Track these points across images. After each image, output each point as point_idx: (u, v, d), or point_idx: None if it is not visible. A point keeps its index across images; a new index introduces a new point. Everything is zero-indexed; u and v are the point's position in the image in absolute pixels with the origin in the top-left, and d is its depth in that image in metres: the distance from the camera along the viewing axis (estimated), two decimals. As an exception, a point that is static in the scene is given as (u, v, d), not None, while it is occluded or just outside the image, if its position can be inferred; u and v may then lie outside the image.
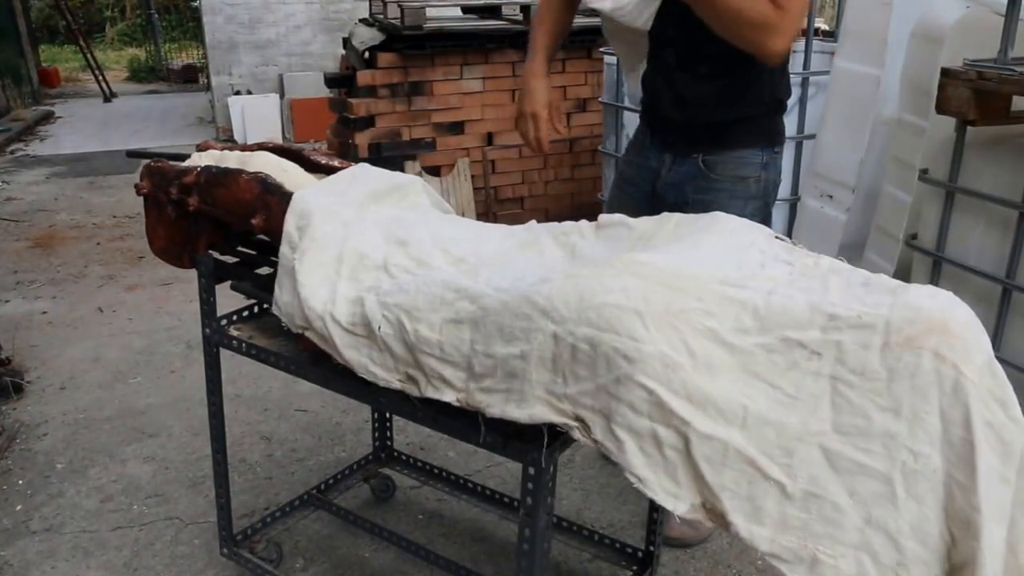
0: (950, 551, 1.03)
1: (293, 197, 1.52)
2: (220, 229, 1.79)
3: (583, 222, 1.54)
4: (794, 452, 1.06)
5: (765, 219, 1.92)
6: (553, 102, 1.93)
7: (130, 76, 13.44)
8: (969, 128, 2.16)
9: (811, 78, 3.05)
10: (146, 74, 13.43)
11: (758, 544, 1.06)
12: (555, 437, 1.24)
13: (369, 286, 1.40)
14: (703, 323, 1.12)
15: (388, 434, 2.35)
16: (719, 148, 1.88)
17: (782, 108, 1.93)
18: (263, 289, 1.66)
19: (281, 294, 1.49)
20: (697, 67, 1.82)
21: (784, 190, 3.19)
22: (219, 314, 1.75)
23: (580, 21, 4.98)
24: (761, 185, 1.91)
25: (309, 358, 1.55)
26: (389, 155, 4.39)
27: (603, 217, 1.54)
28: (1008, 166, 2.12)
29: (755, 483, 1.06)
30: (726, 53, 1.68)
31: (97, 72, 10.97)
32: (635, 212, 1.54)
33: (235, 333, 1.72)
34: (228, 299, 1.76)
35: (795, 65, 3.85)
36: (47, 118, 9.45)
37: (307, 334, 1.44)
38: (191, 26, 14.17)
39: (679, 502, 1.10)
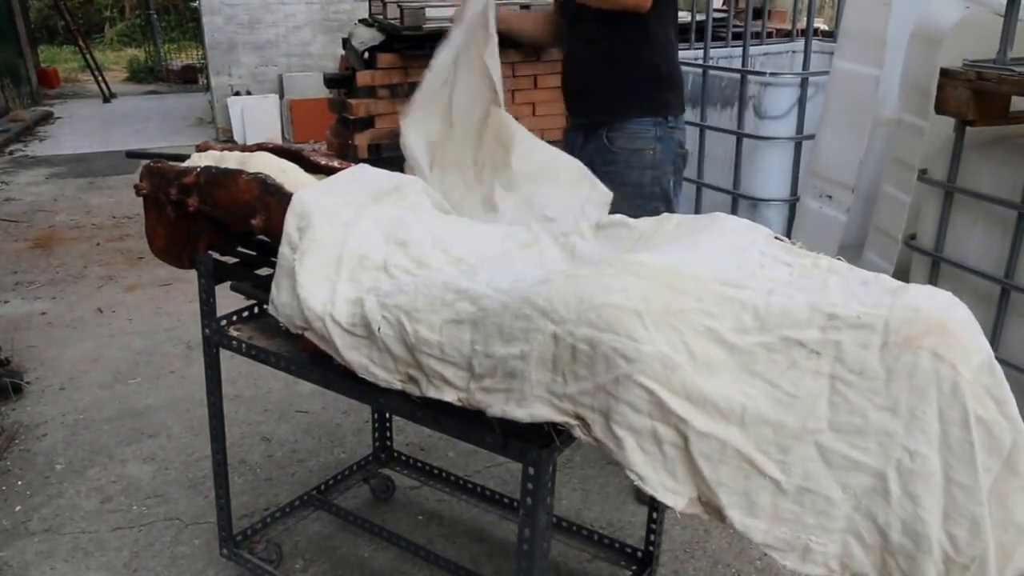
0: (951, 553, 1.03)
1: (293, 198, 1.52)
2: (220, 229, 1.79)
3: (583, 222, 1.55)
4: (790, 449, 1.07)
5: (665, 190, 2.21)
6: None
7: (129, 77, 13.44)
8: (968, 128, 2.16)
9: (810, 78, 3.05)
10: (145, 75, 13.43)
11: (753, 536, 1.08)
12: (555, 436, 1.24)
13: (369, 287, 1.40)
14: (703, 323, 1.12)
15: (388, 435, 2.35)
16: (616, 121, 2.17)
17: (668, 80, 2.21)
18: (263, 289, 1.66)
19: (279, 295, 1.48)
20: (584, 31, 2.15)
21: (783, 190, 3.20)
22: (219, 314, 1.75)
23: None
24: (658, 156, 2.19)
25: (309, 359, 1.55)
26: (389, 155, 4.39)
27: (603, 217, 1.54)
28: (1007, 166, 2.12)
29: (751, 479, 1.07)
30: (603, 18, 2.06)
31: (96, 73, 10.97)
32: None
33: (235, 333, 1.73)
34: (228, 299, 1.76)
35: (795, 65, 3.86)
36: (46, 119, 9.44)
37: (307, 334, 1.44)
38: (190, 26, 14.17)
39: (678, 497, 1.11)
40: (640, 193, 2.19)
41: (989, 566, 1.01)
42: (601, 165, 2.14)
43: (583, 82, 2.23)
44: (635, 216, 1.50)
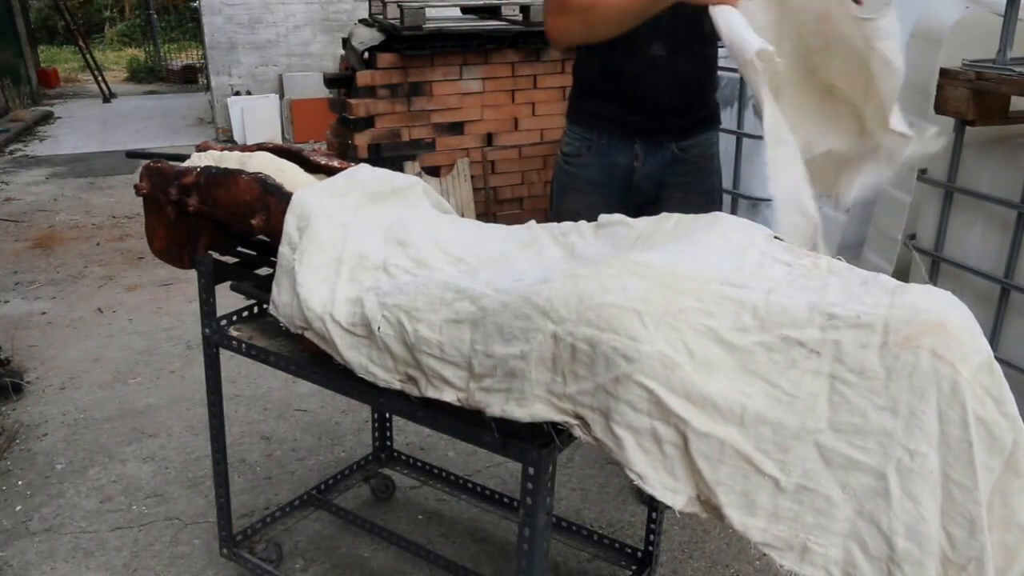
0: (949, 552, 1.03)
1: (293, 198, 1.52)
2: (220, 229, 1.79)
3: (583, 222, 1.55)
4: (790, 449, 1.07)
5: (721, 193, 2.17)
6: None
7: (129, 76, 13.43)
8: (968, 128, 2.16)
9: (810, 78, 3.05)
10: (145, 74, 13.42)
11: (751, 535, 1.08)
12: (555, 436, 1.24)
13: (368, 287, 1.41)
14: (702, 323, 1.12)
15: (388, 434, 2.35)
16: (692, 132, 2.03)
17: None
18: (263, 289, 1.66)
19: (279, 294, 1.49)
20: (688, 53, 1.95)
21: (783, 190, 3.20)
22: (219, 314, 1.75)
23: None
24: (719, 160, 2.12)
25: (309, 358, 1.55)
26: (389, 155, 4.40)
27: (603, 217, 1.54)
28: (1006, 166, 2.13)
29: (750, 478, 1.07)
30: (704, 38, 1.89)
31: (96, 72, 10.97)
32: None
33: (235, 333, 1.73)
34: (228, 299, 1.76)
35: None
36: (46, 119, 9.44)
37: (307, 334, 1.44)
38: (190, 26, 14.16)
39: (677, 496, 1.11)
40: (712, 199, 2.11)
41: (987, 567, 1.01)
42: (671, 176, 2.03)
43: (688, 94, 1.99)
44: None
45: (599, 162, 2.03)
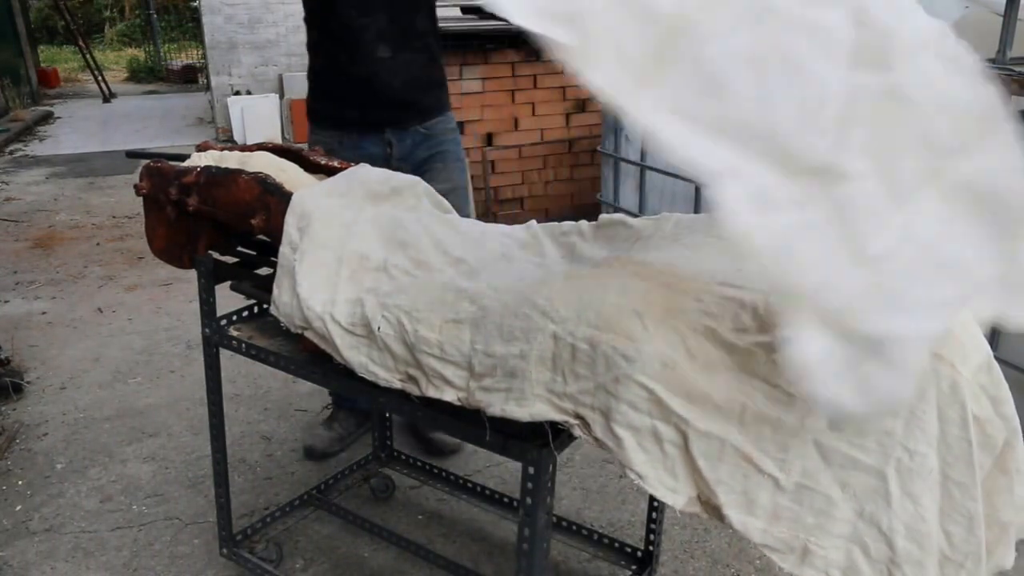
0: (947, 550, 1.03)
1: (293, 198, 1.52)
2: (220, 229, 1.79)
3: (583, 222, 1.55)
4: (789, 448, 1.07)
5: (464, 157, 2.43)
6: None
7: (129, 76, 13.43)
8: (968, 128, 2.16)
9: (810, 78, 3.05)
10: (145, 74, 13.42)
11: (751, 535, 1.07)
12: (555, 436, 1.24)
13: (368, 287, 1.41)
14: (702, 323, 1.12)
15: (388, 434, 2.35)
16: (433, 112, 2.28)
17: None
18: (263, 289, 1.66)
19: (280, 294, 1.49)
20: (410, 50, 2.19)
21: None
22: (219, 314, 1.75)
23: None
24: (458, 131, 2.39)
25: (309, 358, 1.55)
26: (388, 155, 4.39)
27: (603, 217, 1.55)
28: (1007, 166, 2.12)
29: (750, 477, 1.07)
30: (422, 34, 2.19)
31: (96, 72, 10.97)
32: None
33: (235, 333, 1.73)
34: (228, 299, 1.76)
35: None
36: (46, 118, 9.44)
37: (307, 334, 1.44)
38: (190, 26, 14.17)
39: (677, 496, 1.11)
40: (464, 166, 2.40)
41: (982, 563, 1.01)
42: (426, 151, 2.27)
43: (420, 85, 2.25)
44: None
45: (354, 155, 2.10)
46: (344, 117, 2.23)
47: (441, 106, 2.33)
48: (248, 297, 1.77)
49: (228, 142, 7.26)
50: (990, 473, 1.05)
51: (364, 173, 1.69)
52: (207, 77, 8.91)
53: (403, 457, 2.34)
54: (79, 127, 8.92)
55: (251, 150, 1.85)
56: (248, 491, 2.40)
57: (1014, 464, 1.07)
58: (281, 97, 7.87)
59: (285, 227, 1.50)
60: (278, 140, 7.19)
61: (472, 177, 4.63)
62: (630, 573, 1.93)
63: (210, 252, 1.78)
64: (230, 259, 1.82)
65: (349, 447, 2.59)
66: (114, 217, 5.38)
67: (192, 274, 1.79)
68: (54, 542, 2.19)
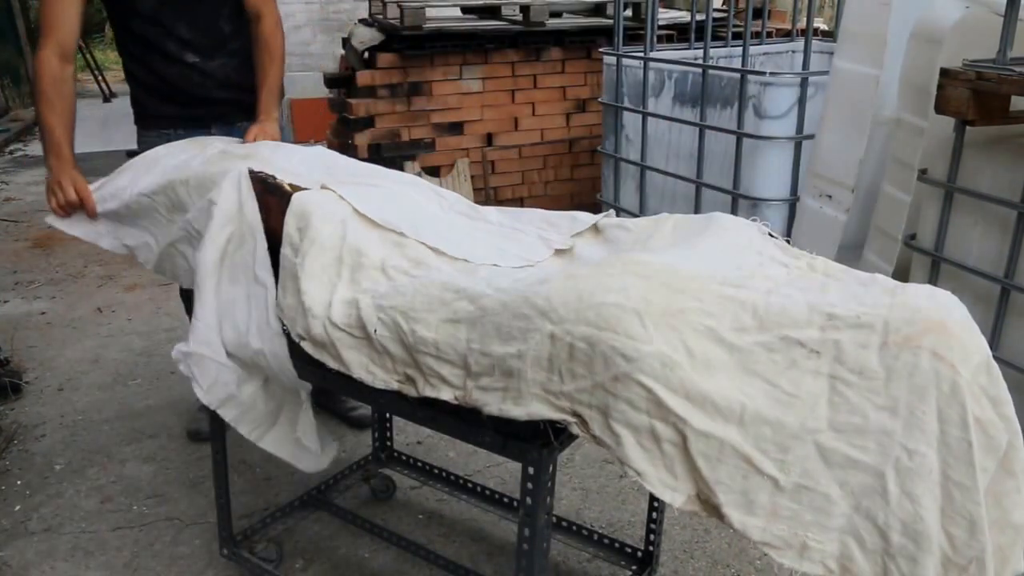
0: (949, 553, 1.03)
1: (292, 198, 1.52)
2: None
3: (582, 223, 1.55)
4: (789, 448, 1.07)
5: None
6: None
7: (129, 76, 13.42)
8: (968, 128, 2.16)
9: (810, 78, 3.05)
10: (145, 74, 13.40)
11: (750, 534, 1.07)
12: (555, 436, 1.24)
13: (365, 288, 1.41)
14: (702, 322, 1.12)
15: (388, 434, 2.35)
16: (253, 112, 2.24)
17: None
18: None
19: (284, 296, 1.49)
20: (221, 55, 2.21)
21: (783, 190, 3.20)
22: (218, 314, 1.75)
23: (580, 21, 4.98)
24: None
25: (309, 358, 1.54)
26: (389, 155, 4.40)
27: (602, 220, 1.55)
28: (1007, 166, 2.12)
29: (749, 477, 1.07)
30: (228, 40, 2.22)
31: (96, 72, 10.97)
32: None
33: (234, 333, 1.72)
34: (227, 299, 1.76)
35: (795, 65, 3.86)
36: (46, 118, 9.43)
37: (303, 344, 1.44)
38: (190, 26, 14.12)
39: (676, 494, 1.11)
40: None
41: (987, 567, 1.01)
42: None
43: (234, 87, 2.28)
44: None
45: None
46: (166, 114, 2.25)
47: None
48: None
49: (228, 142, 7.24)
50: (997, 476, 1.05)
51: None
52: (207, 77, 8.87)
53: (403, 457, 2.34)
54: (79, 127, 8.79)
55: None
56: (248, 491, 2.40)
57: (1019, 465, 1.06)
58: (281, 97, 7.86)
59: (285, 228, 1.50)
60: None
61: (472, 177, 4.64)
62: (630, 573, 1.93)
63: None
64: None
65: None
66: (114, 217, 5.38)
67: (192, 274, 1.79)
68: (53, 542, 2.19)
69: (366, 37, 4.32)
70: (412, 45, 4.30)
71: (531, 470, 1.27)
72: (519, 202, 4.84)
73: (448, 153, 4.60)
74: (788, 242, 1.38)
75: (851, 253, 2.63)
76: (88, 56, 11.26)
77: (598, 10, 4.88)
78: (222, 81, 2.22)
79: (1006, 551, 1.06)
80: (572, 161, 4.88)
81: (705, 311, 1.13)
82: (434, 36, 4.29)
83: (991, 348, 1.10)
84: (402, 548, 2.04)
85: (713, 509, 1.11)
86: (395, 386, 1.34)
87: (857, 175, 2.54)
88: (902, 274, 2.43)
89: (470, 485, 2.21)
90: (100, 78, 10.94)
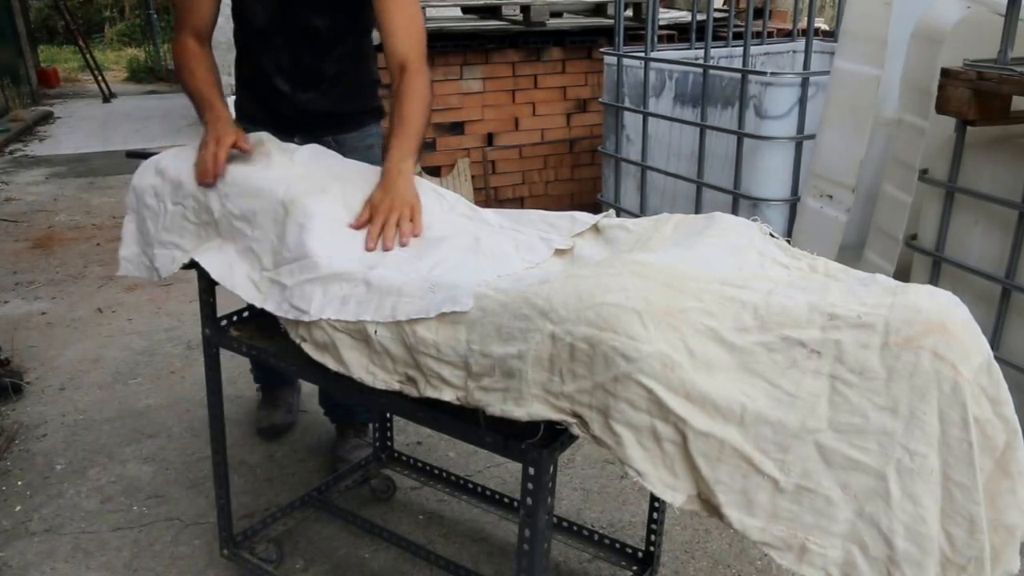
0: (948, 553, 1.03)
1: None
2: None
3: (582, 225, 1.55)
4: (790, 449, 1.06)
5: None
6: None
7: (129, 76, 13.41)
8: (969, 128, 2.16)
9: (811, 78, 3.05)
10: (145, 74, 13.40)
11: (750, 534, 1.07)
12: (555, 436, 1.24)
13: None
14: (703, 323, 1.12)
15: (388, 434, 2.35)
16: (345, 127, 2.28)
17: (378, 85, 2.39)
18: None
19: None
20: (313, 88, 2.20)
21: (783, 190, 3.20)
22: (219, 315, 1.75)
23: (580, 21, 4.97)
24: (379, 149, 2.34)
25: (309, 358, 1.54)
26: (389, 155, 4.39)
27: (603, 220, 1.55)
28: (1008, 166, 2.12)
29: (749, 478, 1.07)
30: (338, 74, 2.21)
31: (96, 72, 10.96)
32: None
33: (235, 334, 1.72)
34: (228, 299, 1.76)
35: (795, 65, 3.86)
36: (46, 118, 9.43)
37: (304, 346, 1.44)
38: (190, 26, 14.12)
39: (676, 494, 1.11)
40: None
41: (986, 566, 1.01)
42: None
43: (317, 114, 2.26)
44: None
45: None
46: (256, 116, 2.26)
47: (356, 124, 2.33)
48: (248, 297, 1.76)
49: (228, 142, 7.24)
50: (993, 476, 1.05)
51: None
52: (207, 77, 8.87)
53: (403, 457, 2.34)
54: (79, 127, 8.91)
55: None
56: (248, 492, 2.40)
57: (1016, 466, 1.06)
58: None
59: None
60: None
61: (473, 177, 4.64)
62: (631, 574, 1.93)
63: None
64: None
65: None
66: (114, 217, 5.37)
67: (192, 274, 1.78)
68: (54, 542, 2.19)
69: (366, 37, 4.31)
70: (412, 45, 4.29)
71: (532, 470, 1.27)
72: (519, 202, 4.84)
73: (449, 153, 4.60)
74: (789, 242, 1.38)
75: (852, 253, 2.63)
76: (88, 56, 11.26)
77: (598, 10, 4.88)
78: (307, 111, 2.21)
79: (998, 551, 1.06)
80: (573, 161, 4.88)
81: (706, 311, 1.13)
82: (434, 36, 4.29)
83: (992, 348, 1.09)
84: (402, 548, 2.04)
85: (713, 509, 1.11)
86: (396, 387, 1.34)
87: (858, 175, 2.55)
88: (903, 274, 2.43)
89: (471, 485, 2.21)
90: (100, 78, 10.94)
